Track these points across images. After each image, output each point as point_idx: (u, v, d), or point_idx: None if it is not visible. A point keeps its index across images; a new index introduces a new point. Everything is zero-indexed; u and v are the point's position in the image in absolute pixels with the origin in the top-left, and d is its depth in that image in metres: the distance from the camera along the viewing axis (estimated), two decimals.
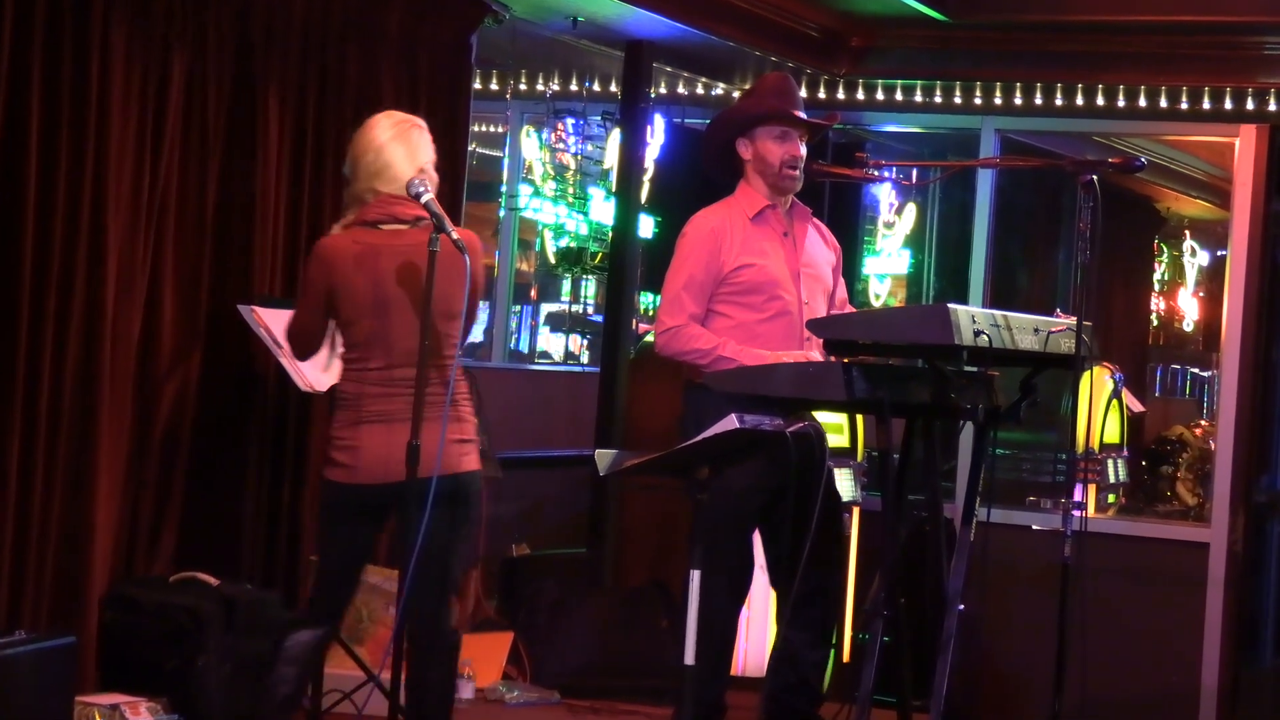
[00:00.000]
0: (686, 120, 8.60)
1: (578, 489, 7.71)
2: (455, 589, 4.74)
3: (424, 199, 4.74)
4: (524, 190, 9.64)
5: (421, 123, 4.71)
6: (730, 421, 4.30)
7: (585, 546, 7.51)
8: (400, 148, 4.61)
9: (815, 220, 5.53)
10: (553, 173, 9.76)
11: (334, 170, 6.08)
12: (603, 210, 9.49)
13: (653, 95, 7.75)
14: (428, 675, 4.56)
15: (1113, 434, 8.00)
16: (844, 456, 6.93)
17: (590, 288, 10.53)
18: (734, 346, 5.16)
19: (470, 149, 6.96)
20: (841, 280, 5.57)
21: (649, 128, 7.93)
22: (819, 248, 5.48)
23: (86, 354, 5.21)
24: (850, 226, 8.57)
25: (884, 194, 10.76)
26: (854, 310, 5.67)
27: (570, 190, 9.75)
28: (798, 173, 5.34)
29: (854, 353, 4.81)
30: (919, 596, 5.06)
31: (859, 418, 6.98)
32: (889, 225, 10.88)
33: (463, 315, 4.65)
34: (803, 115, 5.38)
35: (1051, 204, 10.86)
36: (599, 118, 9.57)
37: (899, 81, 7.90)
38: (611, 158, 9.39)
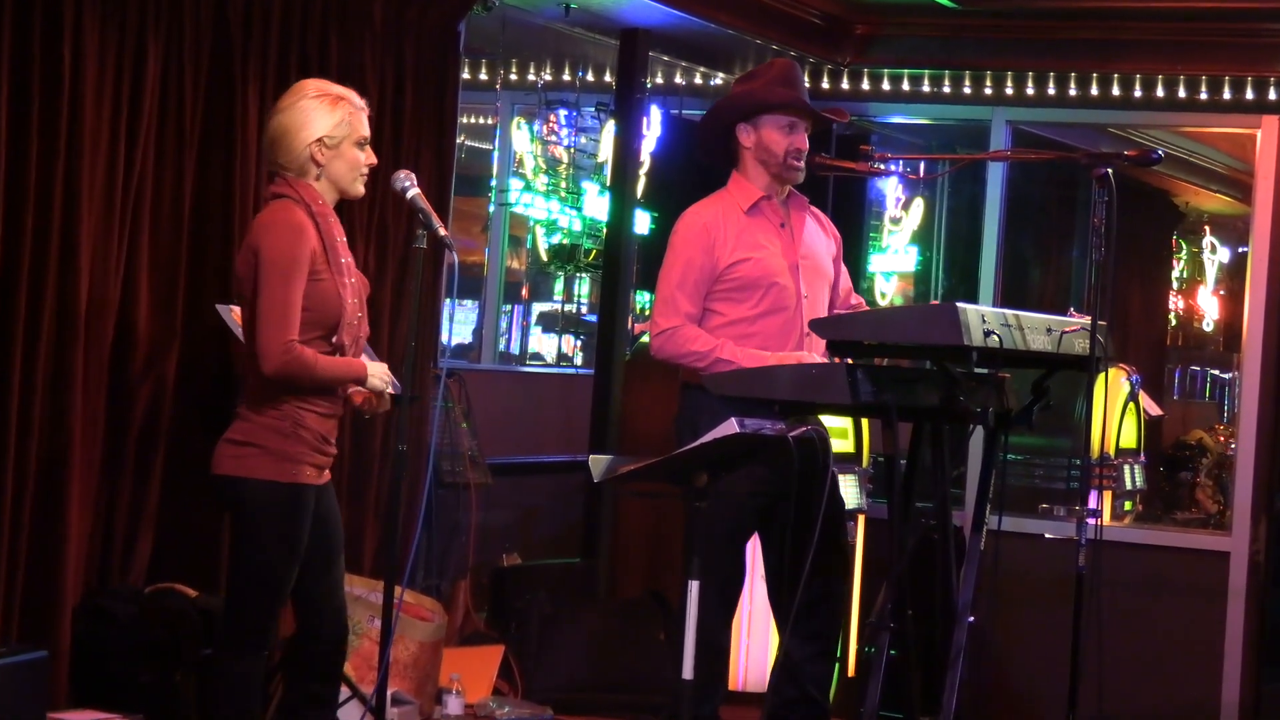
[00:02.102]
0: (684, 111, 8.61)
1: (571, 496, 7.72)
2: (232, 608, 4.60)
3: (409, 194, 4.74)
4: (514, 185, 9.65)
5: (321, 93, 4.59)
6: (730, 425, 4.30)
7: (579, 556, 7.51)
8: (287, 121, 4.58)
9: (813, 209, 5.52)
10: (545, 166, 9.78)
11: None
12: (597, 205, 9.51)
13: (649, 85, 7.76)
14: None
15: (1129, 438, 8.00)
16: (848, 462, 6.94)
17: (584, 286, 10.54)
18: (732, 348, 5.17)
19: (458, 141, 6.97)
20: (844, 269, 5.57)
21: (645, 119, 7.94)
22: (818, 237, 5.48)
23: (58, 355, 5.20)
24: (855, 222, 8.57)
25: (890, 188, 10.78)
26: (859, 300, 5.67)
27: (563, 184, 9.77)
28: (801, 164, 5.35)
29: (859, 354, 4.81)
30: (927, 608, 5.06)
31: (864, 422, 6.99)
32: (895, 221, 10.90)
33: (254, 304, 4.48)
34: (814, 107, 5.40)
35: (1065, 198, 10.88)
36: (593, 109, 9.59)
37: (906, 71, 7.92)
38: (606, 151, 9.41)
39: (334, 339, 4.53)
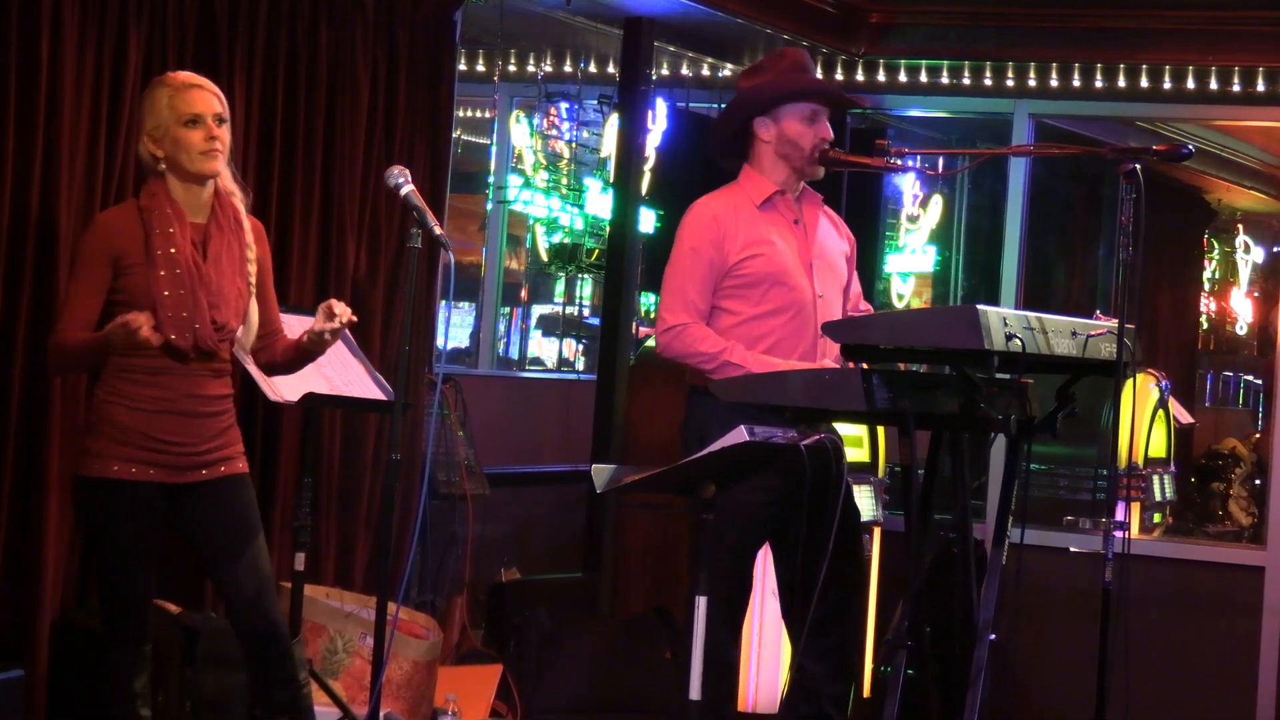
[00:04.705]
0: (690, 104, 8.63)
1: (572, 508, 7.72)
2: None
3: (403, 192, 4.75)
4: (513, 181, 9.65)
5: (150, 87, 4.80)
6: (739, 434, 4.30)
7: (580, 571, 7.52)
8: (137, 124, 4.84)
9: (826, 208, 5.52)
10: (545, 162, 9.77)
11: (305, 158, 6.09)
12: (599, 203, 9.51)
13: (654, 77, 7.77)
14: None
15: (1158, 447, 8.01)
16: (864, 472, 6.95)
17: (586, 288, 10.54)
18: (741, 351, 5.16)
19: (455, 136, 6.97)
20: (856, 274, 5.58)
21: (650, 112, 7.95)
22: (832, 237, 5.48)
23: (35, 361, 5.20)
24: (871, 220, 8.60)
25: (907, 185, 10.78)
26: (870, 306, 5.67)
27: (564, 181, 9.76)
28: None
29: (874, 358, 4.81)
30: (946, 625, 5.06)
31: (880, 430, 6.99)
32: (913, 219, 10.90)
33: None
34: (838, 90, 5.40)
35: (1091, 195, 10.88)
36: (595, 102, 9.59)
37: (923, 61, 7.92)
38: (609, 145, 9.41)
39: (162, 332, 4.61)
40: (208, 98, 4.75)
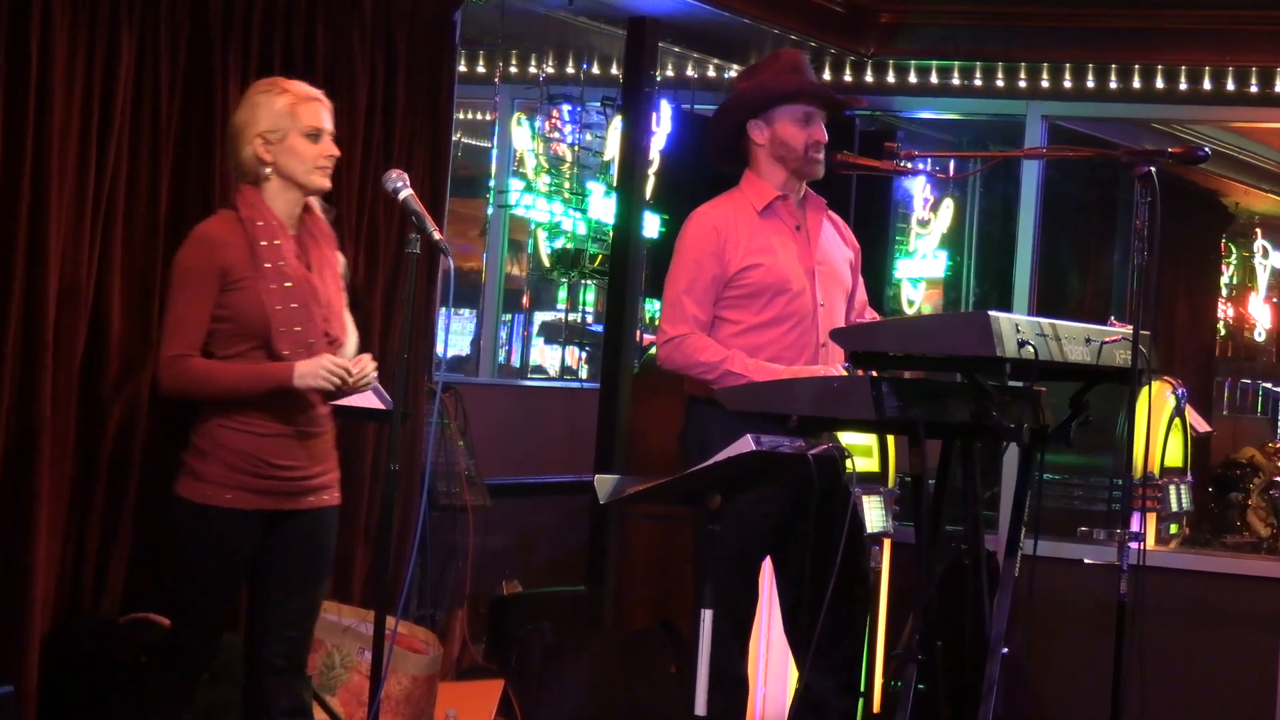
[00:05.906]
0: (696, 106, 8.62)
1: (575, 519, 7.71)
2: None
3: (401, 195, 4.75)
4: (515, 185, 9.65)
5: (265, 88, 4.83)
6: (746, 443, 4.30)
7: (584, 583, 7.51)
8: (235, 121, 4.83)
9: (831, 213, 5.52)
10: (547, 165, 9.77)
11: None
12: (603, 207, 9.51)
13: (658, 78, 7.77)
14: None
15: (1175, 457, 8.01)
16: (873, 483, 6.94)
17: (589, 294, 10.54)
18: (743, 360, 5.16)
19: (455, 139, 6.97)
20: (861, 280, 5.57)
21: (654, 115, 7.94)
22: (835, 243, 5.49)
23: (24, 370, 5.20)
24: (880, 225, 8.58)
25: (918, 188, 10.78)
26: (876, 315, 5.66)
27: (566, 185, 9.76)
28: (821, 157, 5.34)
29: (884, 366, 4.81)
30: (957, 639, 5.05)
31: (890, 439, 6.98)
32: (923, 223, 10.90)
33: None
34: (830, 92, 5.40)
35: (1105, 199, 10.88)
36: (598, 104, 9.59)
37: (934, 62, 7.92)
38: (612, 148, 9.41)
39: (273, 349, 4.62)
40: (328, 114, 4.79)
